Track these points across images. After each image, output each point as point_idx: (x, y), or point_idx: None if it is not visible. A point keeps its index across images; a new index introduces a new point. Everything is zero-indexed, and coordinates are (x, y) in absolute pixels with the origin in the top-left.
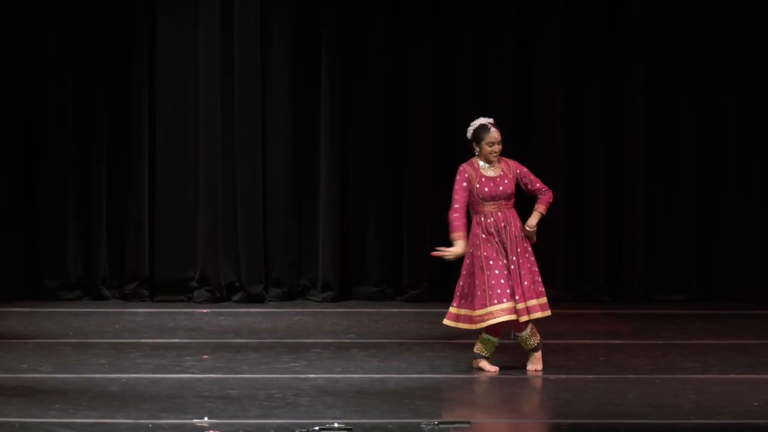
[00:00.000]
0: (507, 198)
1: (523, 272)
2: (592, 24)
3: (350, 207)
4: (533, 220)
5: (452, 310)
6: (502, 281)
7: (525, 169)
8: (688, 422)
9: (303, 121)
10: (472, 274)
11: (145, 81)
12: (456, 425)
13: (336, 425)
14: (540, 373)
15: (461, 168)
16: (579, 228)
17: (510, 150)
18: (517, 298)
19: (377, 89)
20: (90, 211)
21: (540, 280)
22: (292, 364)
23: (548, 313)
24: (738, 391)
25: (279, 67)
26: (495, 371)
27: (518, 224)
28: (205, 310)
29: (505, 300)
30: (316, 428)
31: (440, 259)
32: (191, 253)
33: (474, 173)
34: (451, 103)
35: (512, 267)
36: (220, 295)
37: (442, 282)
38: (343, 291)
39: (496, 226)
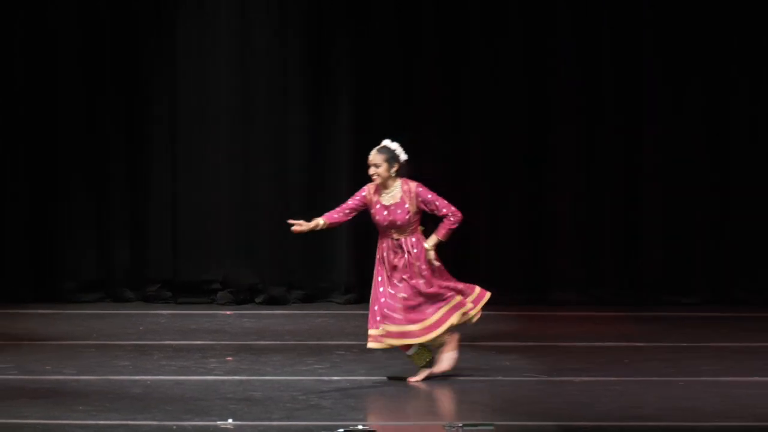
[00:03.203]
0: (401, 227)
1: (406, 296)
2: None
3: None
4: (428, 243)
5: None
6: (375, 308)
7: (429, 196)
8: (708, 425)
9: (321, 123)
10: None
11: (165, 81)
12: (479, 427)
13: (360, 427)
14: (418, 383)
15: (365, 186)
16: (594, 230)
17: (526, 151)
18: (387, 321)
19: (394, 86)
20: (111, 213)
21: (433, 304)
22: (315, 366)
23: (426, 338)
24: (759, 393)
25: (298, 67)
26: (417, 380)
27: (416, 251)
28: (228, 312)
29: (374, 328)
30: (340, 430)
31: (462, 261)
32: (214, 254)
33: (372, 198)
34: (466, 101)
35: (400, 294)
36: (242, 297)
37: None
38: (365, 293)
39: (388, 251)
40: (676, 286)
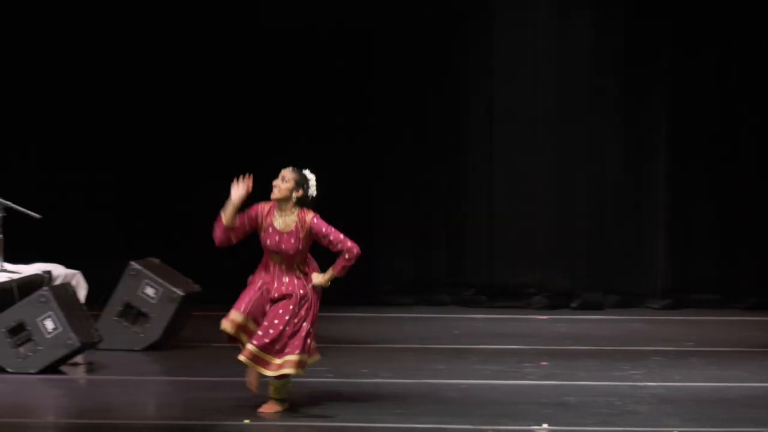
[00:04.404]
0: (290, 256)
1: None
2: None
3: (686, 214)
4: (321, 279)
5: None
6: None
7: (324, 229)
8: None
9: (633, 125)
10: None
11: (483, 82)
12: None
13: None
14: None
15: (258, 205)
16: None
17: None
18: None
19: (707, 97)
20: (429, 218)
21: (295, 342)
22: (630, 372)
23: (282, 372)
24: None
25: (612, 71)
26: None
27: (297, 285)
28: (543, 317)
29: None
30: None
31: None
32: (529, 259)
33: (265, 219)
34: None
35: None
36: (557, 302)
37: None
38: (681, 298)
39: (270, 278)
40: None
